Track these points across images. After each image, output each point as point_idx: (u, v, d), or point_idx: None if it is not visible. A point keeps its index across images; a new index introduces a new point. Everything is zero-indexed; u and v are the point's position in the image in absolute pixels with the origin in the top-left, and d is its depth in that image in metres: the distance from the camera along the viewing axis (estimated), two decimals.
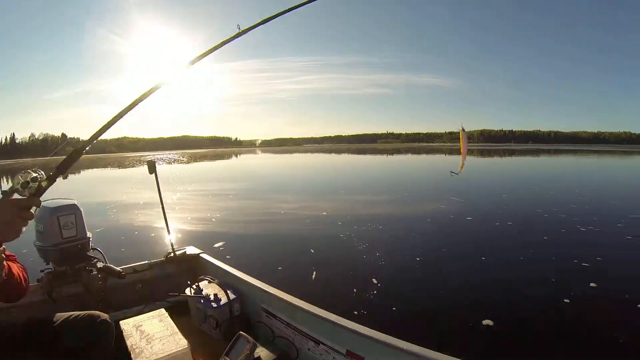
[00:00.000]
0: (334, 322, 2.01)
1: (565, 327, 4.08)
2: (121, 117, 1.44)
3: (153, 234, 8.37)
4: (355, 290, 4.95)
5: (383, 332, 1.83)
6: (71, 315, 1.82)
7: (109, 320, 1.85)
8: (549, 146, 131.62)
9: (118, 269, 2.85)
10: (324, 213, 10.46)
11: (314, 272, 5.58)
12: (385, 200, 13.23)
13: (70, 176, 28.19)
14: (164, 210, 3.35)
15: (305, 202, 12.76)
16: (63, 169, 1.31)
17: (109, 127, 1.42)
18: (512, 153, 60.35)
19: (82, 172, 35.42)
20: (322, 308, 2.15)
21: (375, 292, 4.90)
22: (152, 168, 3.12)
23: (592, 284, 5.19)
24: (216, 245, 7.15)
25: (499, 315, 4.29)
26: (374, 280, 5.25)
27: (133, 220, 10.26)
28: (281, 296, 2.41)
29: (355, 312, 4.28)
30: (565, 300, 4.66)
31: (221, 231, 8.47)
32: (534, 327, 4.14)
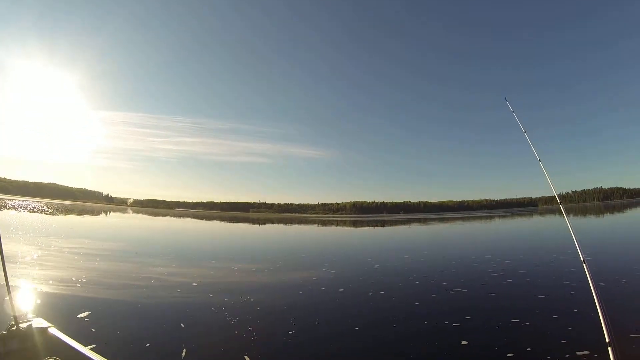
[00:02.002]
0: None
1: None
2: None
3: (7, 297, 7.23)
4: None
5: None
6: None
7: None
8: (419, 215, 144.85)
9: None
10: (195, 283, 10.36)
11: (184, 350, 5.42)
12: (257, 270, 13.26)
13: None
14: (5, 270, 3.16)
15: (177, 269, 12.94)
16: None
17: None
18: (384, 223, 64.97)
19: None
20: None
21: None
22: None
23: (463, 342, 5.71)
24: (81, 315, 6.91)
25: None
26: (246, 358, 5.18)
27: None
28: None
29: None
30: None
31: (88, 298, 8.27)
32: None
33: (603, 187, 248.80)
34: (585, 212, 69.71)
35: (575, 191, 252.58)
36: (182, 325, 6.62)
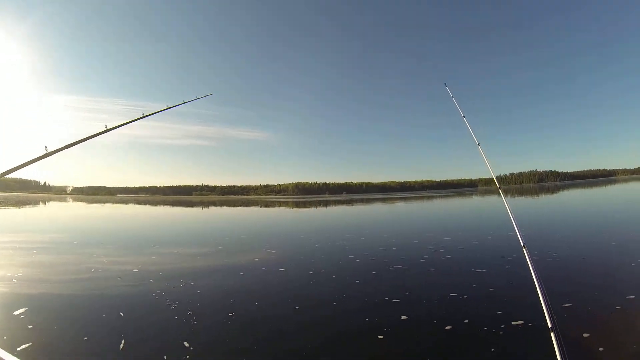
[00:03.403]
0: None
1: None
2: None
3: None
4: (165, 358, 4.74)
5: None
6: None
7: None
8: (361, 196, 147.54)
9: None
10: (136, 270, 10.31)
11: (122, 341, 5.28)
12: (200, 254, 13.22)
13: None
14: None
15: (119, 257, 12.81)
16: None
17: None
18: (327, 204, 65.73)
19: None
20: None
21: (188, 357, 4.75)
22: None
23: (403, 317, 5.87)
24: (17, 312, 6.66)
25: None
26: (186, 344, 5.12)
27: None
28: None
29: None
30: (379, 336, 5.16)
31: (24, 294, 8.00)
32: None
33: (538, 170, 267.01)
34: (522, 192, 73.82)
35: (513, 173, 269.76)
36: (122, 315, 6.51)
